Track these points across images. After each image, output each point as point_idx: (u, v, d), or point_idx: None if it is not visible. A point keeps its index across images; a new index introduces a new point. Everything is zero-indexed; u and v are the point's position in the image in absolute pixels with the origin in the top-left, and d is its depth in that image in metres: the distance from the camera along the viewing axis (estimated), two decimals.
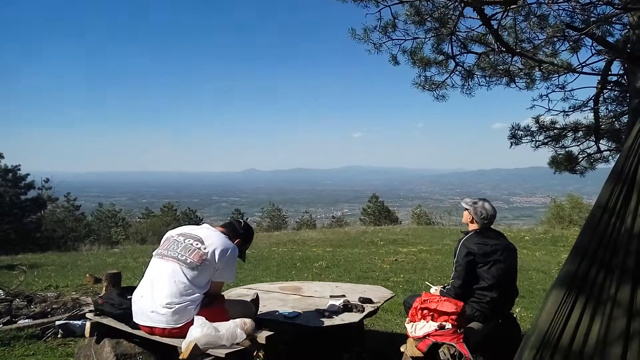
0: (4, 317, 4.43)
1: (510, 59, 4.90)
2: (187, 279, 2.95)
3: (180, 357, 2.66)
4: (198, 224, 3.40)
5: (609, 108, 5.61)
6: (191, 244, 3.03)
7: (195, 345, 2.66)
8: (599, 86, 5.09)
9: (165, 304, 2.93)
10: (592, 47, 4.79)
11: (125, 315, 3.18)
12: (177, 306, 2.92)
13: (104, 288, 4.16)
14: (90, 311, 3.55)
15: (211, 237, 3.09)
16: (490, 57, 4.97)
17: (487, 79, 5.11)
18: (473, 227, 3.73)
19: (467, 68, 5.06)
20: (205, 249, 3.00)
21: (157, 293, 2.97)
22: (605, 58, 4.81)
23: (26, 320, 4.44)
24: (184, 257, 2.98)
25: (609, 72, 4.98)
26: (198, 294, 2.99)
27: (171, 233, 3.23)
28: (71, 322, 4.36)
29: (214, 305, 3.07)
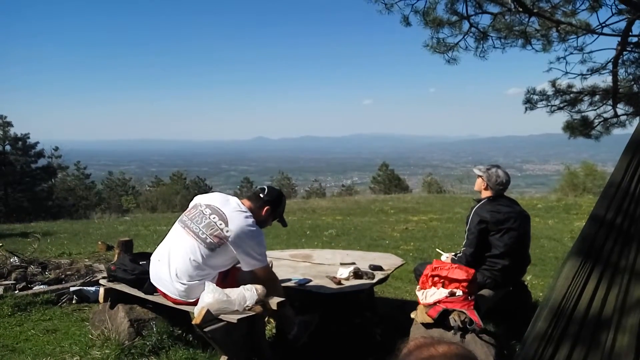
0: (20, 283, 4.51)
1: (527, 19, 4.71)
2: (203, 258, 2.91)
3: (193, 322, 2.69)
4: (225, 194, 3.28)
5: (628, 71, 5.42)
6: (215, 222, 2.92)
7: (208, 310, 2.68)
8: (619, 48, 4.90)
9: (178, 281, 2.94)
10: (612, 6, 4.59)
11: (138, 280, 3.21)
12: (189, 284, 2.93)
13: (116, 255, 4.19)
14: (104, 277, 3.60)
15: (236, 221, 2.94)
16: (506, 17, 4.78)
17: (502, 40, 4.94)
18: (486, 194, 3.67)
19: (482, 29, 4.89)
20: (227, 231, 2.90)
21: (172, 265, 2.97)
22: (626, 18, 4.60)
23: (41, 286, 4.51)
24: (204, 236, 2.91)
25: (630, 33, 4.78)
26: (211, 274, 2.98)
27: (200, 200, 3.13)
28: (85, 288, 4.42)
29: (229, 279, 3.07)
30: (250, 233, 2.95)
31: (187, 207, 3.21)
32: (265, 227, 3.22)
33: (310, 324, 3.25)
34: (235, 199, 3.11)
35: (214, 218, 2.95)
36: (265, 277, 3.08)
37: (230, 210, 2.98)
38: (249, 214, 3.02)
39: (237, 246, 2.92)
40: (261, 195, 3.15)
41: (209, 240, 2.90)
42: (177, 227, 3.08)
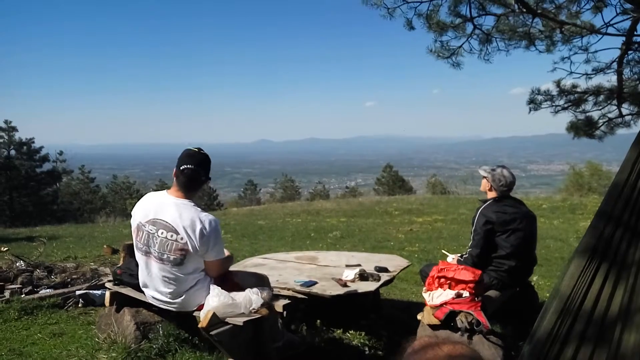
0: (26, 287, 4.52)
1: (530, 20, 4.70)
2: (177, 274, 2.85)
3: (199, 326, 2.69)
4: (163, 189, 3.02)
5: (633, 70, 5.39)
6: (166, 238, 2.80)
7: (214, 314, 2.68)
8: (623, 47, 4.89)
9: (171, 300, 2.95)
10: (617, 6, 4.58)
11: None
12: (183, 297, 2.93)
13: (122, 258, 4.20)
14: (109, 281, 3.61)
15: (183, 221, 2.78)
16: (510, 18, 4.77)
17: (506, 42, 4.93)
18: (491, 195, 3.66)
19: (486, 31, 4.87)
20: (181, 238, 2.77)
21: (158, 290, 2.96)
22: (630, 17, 4.59)
23: (47, 290, 4.52)
24: (165, 256, 2.81)
25: (635, 32, 4.76)
26: (199, 278, 2.94)
27: (140, 219, 2.93)
28: (91, 291, 4.42)
29: (227, 282, 3.06)
30: (204, 228, 2.79)
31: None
32: None
33: (296, 346, 3.15)
34: (169, 198, 2.88)
35: (162, 234, 2.81)
36: (220, 270, 3.01)
37: (174, 214, 2.81)
38: (190, 204, 2.85)
39: (200, 244, 2.80)
40: (203, 178, 2.90)
41: (172, 257, 2.81)
42: (139, 257, 2.99)
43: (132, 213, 3.02)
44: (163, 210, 2.84)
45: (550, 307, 2.37)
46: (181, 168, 2.85)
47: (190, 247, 2.78)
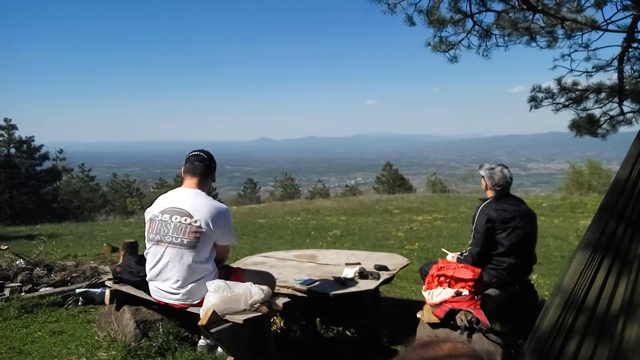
0: (26, 285, 4.51)
1: (531, 16, 4.69)
2: (192, 259, 2.89)
3: (199, 324, 2.68)
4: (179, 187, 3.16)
5: (634, 68, 5.38)
6: (180, 222, 2.88)
7: (214, 311, 2.67)
8: (624, 44, 4.88)
9: (178, 287, 2.94)
10: (617, 2, 4.56)
11: (144, 282, 3.20)
12: (190, 286, 2.93)
13: (122, 257, 4.20)
14: (109, 279, 3.60)
15: (197, 206, 2.91)
16: (510, 15, 4.76)
17: (506, 38, 4.92)
18: (490, 194, 3.65)
19: (485, 27, 4.86)
20: (195, 222, 2.87)
21: (167, 277, 2.96)
22: (632, 14, 4.58)
23: (47, 289, 4.51)
24: (179, 239, 2.87)
25: (635, 29, 4.75)
26: (208, 268, 2.98)
27: (154, 212, 3.04)
28: (91, 290, 4.42)
29: (231, 278, 3.06)
30: (219, 213, 2.94)
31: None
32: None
33: None
34: (182, 190, 3.06)
35: (176, 219, 2.90)
36: (226, 255, 3.19)
37: (188, 201, 2.95)
38: (202, 193, 3.01)
39: (214, 228, 2.90)
40: (207, 162, 3.09)
41: (186, 241, 2.87)
42: (152, 248, 3.03)
43: (146, 212, 3.14)
44: (176, 200, 2.99)
45: (553, 302, 2.37)
46: (188, 156, 3.10)
47: (205, 230, 2.87)
